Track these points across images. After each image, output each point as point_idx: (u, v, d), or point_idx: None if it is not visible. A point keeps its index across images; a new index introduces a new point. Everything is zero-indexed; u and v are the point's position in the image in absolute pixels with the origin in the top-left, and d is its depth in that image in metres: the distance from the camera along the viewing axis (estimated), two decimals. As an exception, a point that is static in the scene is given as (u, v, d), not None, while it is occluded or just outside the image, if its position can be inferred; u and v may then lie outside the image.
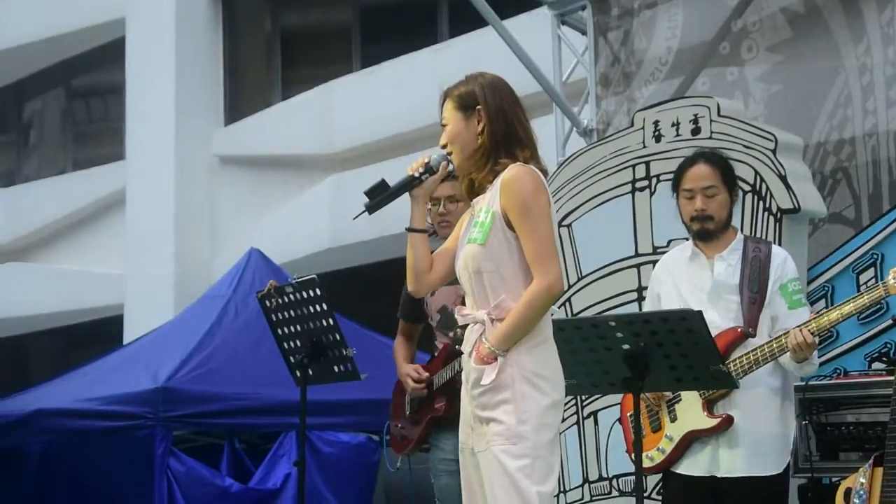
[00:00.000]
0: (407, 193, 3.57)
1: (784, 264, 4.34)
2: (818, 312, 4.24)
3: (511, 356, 3.40)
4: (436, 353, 4.89)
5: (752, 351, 4.22)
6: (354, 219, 3.68)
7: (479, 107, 3.52)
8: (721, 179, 4.34)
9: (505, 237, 3.45)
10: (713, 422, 4.25)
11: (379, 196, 3.53)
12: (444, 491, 4.74)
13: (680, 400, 4.36)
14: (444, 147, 3.58)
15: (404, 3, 12.16)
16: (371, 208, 3.53)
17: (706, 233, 4.35)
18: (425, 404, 4.83)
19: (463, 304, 4.73)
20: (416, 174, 3.55)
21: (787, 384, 4.36)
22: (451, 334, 4.80)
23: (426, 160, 3.57)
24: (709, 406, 4.28)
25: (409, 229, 3.58)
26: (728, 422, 4.22)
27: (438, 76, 10.27)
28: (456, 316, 3.60)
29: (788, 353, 4.17)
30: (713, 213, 4.32)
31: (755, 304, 4.26)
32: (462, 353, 4.69)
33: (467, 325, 3.57)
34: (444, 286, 4.78)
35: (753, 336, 4.23)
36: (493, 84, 3.56)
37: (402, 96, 10.23)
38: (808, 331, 4.11)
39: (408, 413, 4.93)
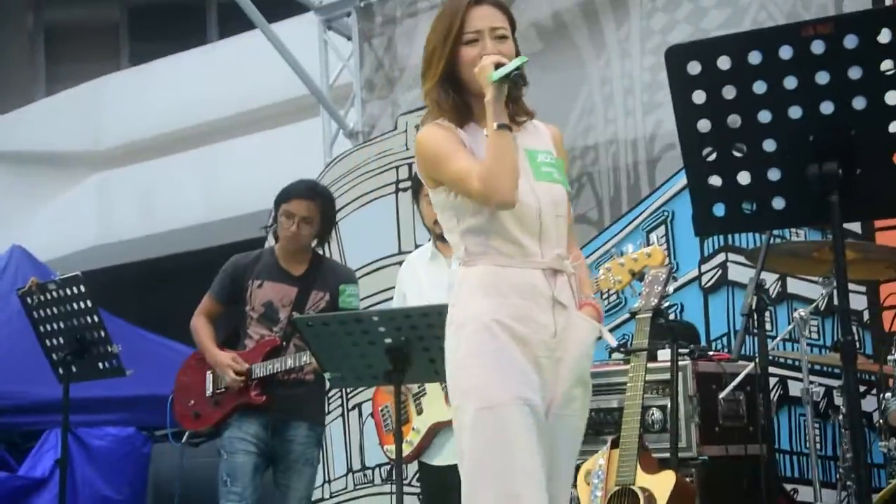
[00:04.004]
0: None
1: None
2: None
3: None
4: (250, 344, 4.85)
5: None
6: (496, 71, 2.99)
7: (514, 35, 3.11)
8: None
9: None
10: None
11: (510, 72, 3.00)
12: (237, 468, 4.74)
13: (425, 393, 4.56)
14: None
15: (173, 3, 12.09)
16: (505, 76, 3.00)
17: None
18: (238, 391, 4.80)
19: (296, 305, 4.76)
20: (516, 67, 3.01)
21: None
22: (275, 329, 4.81)
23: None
24: (448, 398, 4.53)
25: (504, 125, 2.98)
26: None
27: (207, 77, 10.28)
28: (564, 263, 3.03)
29: None
30: None
31: None
32: (283, 350, 4.70)
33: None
34: (273, 283, 4.86)
35: None
36: None
37: (169, 95, 10.18)
38: None
39: (209, 392, 4.90)
